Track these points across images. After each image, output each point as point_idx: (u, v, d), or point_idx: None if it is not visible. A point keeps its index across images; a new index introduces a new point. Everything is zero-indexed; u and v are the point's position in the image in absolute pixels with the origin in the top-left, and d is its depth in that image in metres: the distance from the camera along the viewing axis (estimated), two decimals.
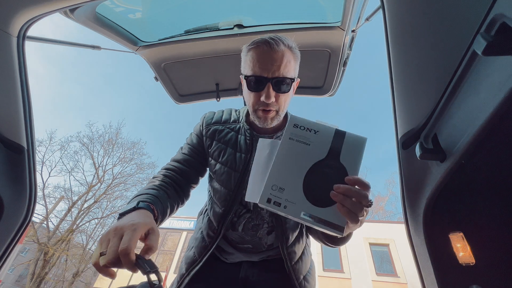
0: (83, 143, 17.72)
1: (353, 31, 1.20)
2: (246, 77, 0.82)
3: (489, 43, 0.36)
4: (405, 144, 0.68)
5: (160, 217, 0.75)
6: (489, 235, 0.57)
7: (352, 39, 1.27)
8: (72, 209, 16.32)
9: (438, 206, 0.60)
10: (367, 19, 1.08)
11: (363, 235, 12.07)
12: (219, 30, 1.29)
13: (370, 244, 11.83)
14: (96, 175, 17.59)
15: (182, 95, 1.67)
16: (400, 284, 10.46)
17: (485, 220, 0.58)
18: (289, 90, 0.82)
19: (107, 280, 14.00)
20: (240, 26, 1.26)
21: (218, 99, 1.63)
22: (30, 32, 0.84)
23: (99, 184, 17.54)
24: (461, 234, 0.58)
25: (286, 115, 0.97)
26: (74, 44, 1.23)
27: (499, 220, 0.57)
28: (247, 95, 0.86)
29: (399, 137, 0.69)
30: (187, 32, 1.31)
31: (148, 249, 0.55)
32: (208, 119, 1.03)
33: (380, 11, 0.65)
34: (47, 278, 14.55)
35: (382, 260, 11.42)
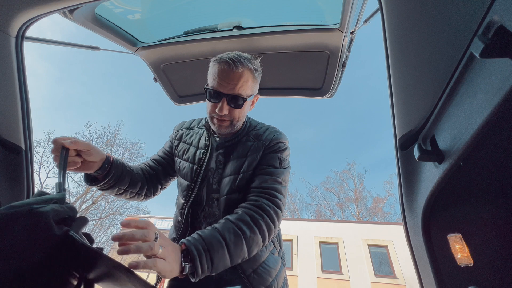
0: None
1: (351, 33, 1.20)
2: (206, 88, 0.93)
3: (487, 46, 0.37)
4: (404, 145, 0.68)
5: (113, 168, 0.94)
6: (487, 236, 0.57)
7: (351, 41, 1.28)
8: None
9: (437, 208, 0.60)
10: (365, 21, 1.08)
11: (362, 236, 12.07)
12: (218, 31, 1.29)
13: (369, 245, 11.83)
14: None
15: (181, 96, 1.67)
16: (399, 286, 10.45)
17: (483, 221, 0.58)
18: (241, 106, 0.93)
19: None
20: (239, 27, 1.27)
21: None
22: (29, 32, 0.84)
23: None
24: (459, 235, 0.58)
25: (246, 119, 1.09)
26: (73, 45, 1.22)
27: (497, 222, 0.57)
28: (207, 103, 0.96)
29: (397, 139, 0.70)
30: (186, 33, 1.32)
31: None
32: (178, 126, 1.22)
33: (379, 13, 0.65)
34: None
35: (381, 261, 11.42)
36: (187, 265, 0.63)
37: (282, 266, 1.02)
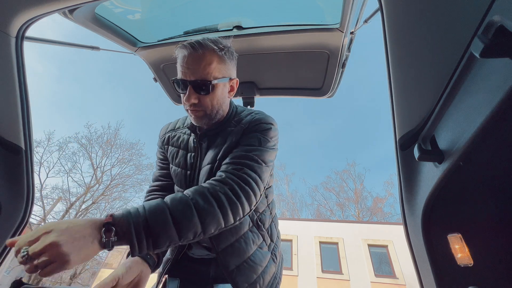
0: (81, 144, 17.68)
1: (351, 33, 1.20)
2: (172, 80, 0.87)
3: (487, 46, 0.37)
4: (404, 145, 0.68)
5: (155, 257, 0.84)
6: (487, 236, 0.58)
7: (351, 40, 1.28)
8: (70, 210, 16.24)
9: (437, 208, 0.60)
10: (365, 21, 1.08)
11: (362, 236, 12.07)
12: (218, 31, 1.29)
13: (369, 245, 11.82)
14: (94, 176, 17.53)
15: (180, 96, 1.67)
16: (399, 286, 10.45)
17: (483, 221, 0.59)
18: (210, 91, 0.83)
19: None
20: (239, 27, 1.27)
21: None
22: (29, 32, 0.84)
23: (97, 185, 17.48)
24: (459, 235, 0.58)
25: (232, 108, 0.99)
26: (73, 45, 1.22)
27: (497, 221, 0.57)
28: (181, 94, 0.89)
29: (397, 139, 0.70)
30: (186, 33, 1.32)
31: None
32: (163, 130, 1.12)
33: (379, 13, 0.65)
34: (44, 279, 14.43)
35: (381, 261, 11.41)
36: (111, 239, 0.56)
37: (272, 261, 0.97)
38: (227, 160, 0.83)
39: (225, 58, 0.87)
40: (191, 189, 0.72)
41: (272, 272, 0.95)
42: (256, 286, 0.86)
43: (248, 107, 1.62)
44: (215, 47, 0.83)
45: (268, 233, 1.01)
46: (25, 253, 0.50)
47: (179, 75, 0.84)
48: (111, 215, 0.60)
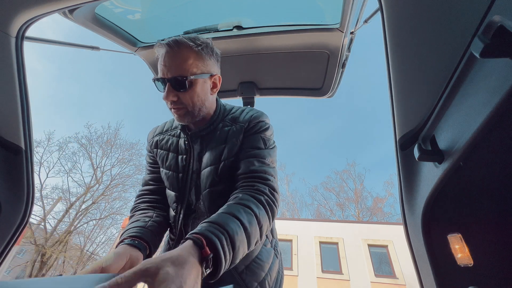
0: (81, 144, 17.68)
1: (351, 33, 1.20)
2: (153, 80, 0.87)
3: (487, 46, 0.37)
4: (404, 145, 0.68)
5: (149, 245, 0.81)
6: (487, 236, 0.58)
7: (351, 40, 1.28)
8: (70, 210, 16.24)
9: (437, 208, 0.60)
10: (365, 21, 1.08)
11: (362, 236, 12.07)
12: (218, 31, 1.29)
13: (369, 245, 11.82)
14: (94, 176, 17.54)
15: None
16: (399, 286, 10.45)
17: (483, 221, 0.58)
18: (186, 88, 0.83)
19: None
20: (239, 27, 1.27)
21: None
22: (29, 32, 0.84)
23: (97, 185, 17.48)
24: (460, 235, 0.58)
25: (217, 107, 0.98)
26: (73, 45, 1.22)
27: (497, 222, 0.57)
28: None
29: (397, 139, 0.70)
30: (186, 33, 1.31)
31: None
32: (150, 134, 1.10)
33: (379, 13, 0.65)
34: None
35: (381, 261, 11.41)
36: (208, 258, 0.52)
37: (275, 257, 0.97)
38: (244, 169, 0.84)
39: (203, 54, 0.86)
40: (236, 200, 0.72)
41: (276, 268, 0.96)
42: (265, 283, 0.87)
43: (249, 106, 1.61)
44: (192, 43, 0.83)
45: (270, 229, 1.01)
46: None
47: (158, 73, 0.85)
48: (206, 245, 0.54)
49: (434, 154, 0.55)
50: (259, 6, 1.28)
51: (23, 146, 0.88)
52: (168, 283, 0.44)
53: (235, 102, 1.66)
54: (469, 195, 0.59)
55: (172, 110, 0.88)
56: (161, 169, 1.01)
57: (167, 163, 0.98)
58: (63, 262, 15.64)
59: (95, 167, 17.61)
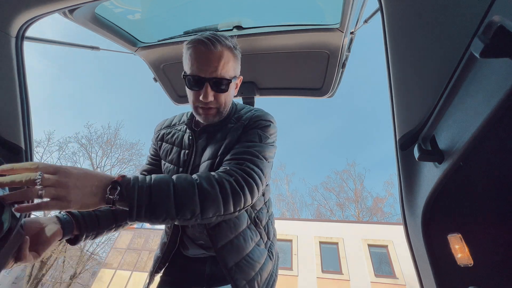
0: (81, 144, 17.68)
1: (351, 33, 1.20)
2: (185, 76, 0.84)
3: (487, 46, 0.37)
4: (404, 145, 0.68)
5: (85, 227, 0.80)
6: (487, 236, 0.58)
7: (351, 40, 1.28)
8: None
9: (437, 208, 0.60)
10: (365, 21, 1.08)
11: (362, 236, 12.07)
12: (218, 31, 1.29)
13: (369, 245, 11.82)
14: None
15: (181, 96, 1.67)
16: (399, 286, 10.45)
17: (483, 221, 0.58)
18: (227, 89, 0.84)
19: (105, 282, 13.91)
20: (239, 27, 1.27)
21: None
22: (29, 32, 0.84)
23: None
24: (460, 235, 0.58)
25: (232, 105, 1.00)
26: (73, 45, 1.22)
27: (497, 221, 0.57)
28: (188, 93, 0.87)
29: (397, 139, 0.70)
30: (186, 33, 1.31)
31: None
32: (158, 126, 1.12)
33: (379, 13, 0.65)
34: (44, 280, 14.45)
35: (381, 261, 11.41)
36: (113, 197, 0.58)
37: (269, 259, 0.96)
38: (228, 157, 0.83)
39: (237, 56, 0.88)
40: (198, 173, 0.73)
41: (269, 269, 0.95)
42: (254, 283, 0.86)
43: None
44: (231, 45, 0.84)
45: (265, 230, 1.01)
46: (40, 177, 0.51)
47: (192, 71, 0.81)
48: (122, 176, 0.62)
49: (434, 154, 0.55)
50: (259, 6, 1.28)
51: (23, 146, 0.88)
52: (60, 176, 0.54)
53: (235, 101, 1.66)
54: (469, 195, 0.59)
55: (201, 110, 0.87)
56: (163, 162, 1.02)
57: (169, 157, 0.99)
58: (63, 262, 15.64)
59: (95, 167, 17.61)
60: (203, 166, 0.90)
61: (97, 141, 18.26)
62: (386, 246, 11.65)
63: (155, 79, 1.56)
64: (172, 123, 1.09)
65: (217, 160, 0.88)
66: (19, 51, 0.82)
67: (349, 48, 1.31)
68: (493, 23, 0.39)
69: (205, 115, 0.88)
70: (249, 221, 0.95)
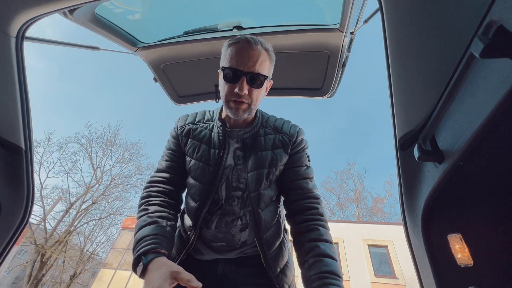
0: (81, 144, 17.67)
1: (351, 33, 1.20)
2: (224, 69, 0.88)
3: (487, 46, 0.37)
4: (404, 145, 0.68)
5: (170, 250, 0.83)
6: (487, 236, 0.57)
7: (351, 41, 1.28)
8: (70, 211, 16.23)
9: (437, 208, 0.60)
10: (365, 21, 1.08)
11: (362, 236, 12.07)
12: (218, 31, 1.29)
13: (369, 245, 11.82)
14: (94, 176, 17.53)
15: (181, 96, 1.67)
16: (399, 286, 10.45)
17: (483, 221, 0.58)
18: (261, 86, 0.88)
19: (105, 282, 13.91)
20: (239, 27, 1.27)
21: (217, 100, 1.63)
22: (29, 32, 0.84)
23: (97, 185, 17.47)
24: (459, 235, 0.58)
25: (257, 112, 1.03)
26: (73, 45, 1.22)
27: (497, 222, 0.57)
28: (222, 86, 0.90)
29: (397, 139, 0.70)
30: (186, 33, 1.31)
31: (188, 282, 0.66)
32: (181, 121, 1.08)
33: (379, 13, 0.65)
34: (44, 280, 14.45)
35: (381, 261, 11.41)
36: None
37: (292, 259, 1.02)
38: (302, 187, 0.95)
39: (273, 60, 0.93)
40: (323, 236, 0.87)
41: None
42: (293, 285, 0.93)
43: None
44: (269, 48, 0.90)
45: (287, 233, 1.06)
46: None
47: (231, 64, 0.85)
48: None
49: (434, 154, 0.55)
50: (259, 6, 1.28)
51: (23, 146, 0.88)
52: None
53: None
54: (469, 195, 0.59)
55: (233, 103, 0.89)
56: (189, 158, 1.00)
57: (197, 154, 0.97)
58: (63, 262, 15.63)
59: (95, 167, 17.61)
60: (254, 175, 0.92)
61: (97, 141, 18.26)
62: (386, 246, 11.65)
63: (155, 79, 1.56)
64: (197, 120, 1.06)
65: (269, 170, 0.93)
66: (19, 51, 0.82)
67: (349, 48, 1.31)
68: (493, 23, 0.39)
69: (236, 108, 0.89)
70: (283, 228, 1.01)
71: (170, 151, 1.04)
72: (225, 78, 0.87)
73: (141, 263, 0.73)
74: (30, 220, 0.96)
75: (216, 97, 1.62)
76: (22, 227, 0.90)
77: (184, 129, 1.04)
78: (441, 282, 0.58)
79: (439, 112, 0.55)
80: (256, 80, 0.86)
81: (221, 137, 0.97)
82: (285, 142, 0.97)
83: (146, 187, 0.98)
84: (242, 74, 0.84)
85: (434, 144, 0.57)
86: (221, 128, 0.98)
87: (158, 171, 1.02)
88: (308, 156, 1.02)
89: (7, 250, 0.86)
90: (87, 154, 17.70)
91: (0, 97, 0.82)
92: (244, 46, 0.85)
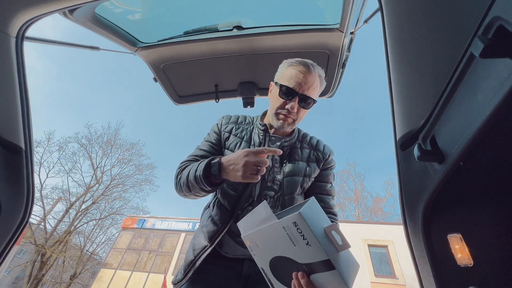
0: (81, 144, 17.68)
1: (351, 33, 1.20)
2: (281, 86, 1.00)
3: (487, 46, 0.37)
4: (404, 145, 0.68)
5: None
6: (488, 236, 0.57)
7: (351, 41, 1.28)
8: (70, 211, 16.24)
9: (437, 208, 0.60)
10: (365, 21, 1.08)
11: (362, 236, 12.07)
12: (218, 31, 1.29)
13: (369, 245, 11.82)
14: (94, 176, 17.54)
15: (181, 96, 1.67)
16: (399, 286, 10.45)
17: (484, 221, 0.58)
18: (309, 107, 1.02)
19: (105, 282, 13.91)
20: (239, 27, 1.27)
21: (217, 100, 1.63)
22: (29, 32, 0.84)
23: (97, 185, 17.48)
24: (460, 235, 0.58)
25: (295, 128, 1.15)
26: (73, 45, 1.22)
27: (497, 221, 0.57)
28: (275, 99, 1.03)
29: (397, 139, 0.70)
30: (187, 33, 1.32)
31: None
32: (226, 119, 1.20)
33: (379, 13, 0.65)
34: (44, 280, 14.46)
35: (381, 261, 11.41)
36: None
37: None
38: (326, 202, 1.06)
39: (323, 86, 1.05)
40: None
41: None
42: None
43: (248, 107, 1.62)
44: (323, 75, 1.03)
45: None
46: None
47: (289, 84, 0.98)
48: None
49: (434, 154, 0.55)
50: (259, 6, 1.28)
51: (23, 146, 0.88)
52: None
53: (235, 102, 1.66)
54: (469, 195, 0.59)
55: (283, 115, 1.01)
56: (229, 151, 1.08)
57: (239, 149, 1.06)
58: (63, 262, 15.63)
59: (95, 167, 17.62)
60: (290, 180, 1.02)
61: (97, 141, 18.27)
62: (386, 246, 11.65)
63: (155, 79, 1.56)
64: (239, 121, 1.19)
65: (304, 179, 1.04)
66: (19, 51, 0.82)
67: (349, 48, 1.31)
68: (493, 23, 0.39)
69: (283, 120, 1.01)
70: None
71: (208, 143, 1.13)
72: (280, 93, 1.00)
73: (213, 168, 0.86)
74: (30, 220, 0.97)
75: (216, 97, 1.62)
76: (22, 227, 0.90)
77: (228, 126, 1.16)
78: (441, 282, 0.58)
79: (439, 112, 0.55)
80: (306, 102, 0.99)
81: (261, 137, 1.08)
82: (319, 158, 1.10)
83: (178, 168, 1.06)
84: (296, 95, 0.97)
85: (434, 144, 0.57)
86: (262, 130, 1.09)
87: (195, 154, 1.10)
88: (334, 175, 1.14)
89: (7, 250, 0.86)
90: (87, 154, 17.71)
91: (0, 97, 0.82)
92: (304, 71, 0.97)
